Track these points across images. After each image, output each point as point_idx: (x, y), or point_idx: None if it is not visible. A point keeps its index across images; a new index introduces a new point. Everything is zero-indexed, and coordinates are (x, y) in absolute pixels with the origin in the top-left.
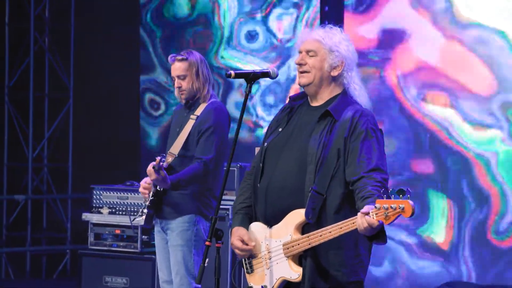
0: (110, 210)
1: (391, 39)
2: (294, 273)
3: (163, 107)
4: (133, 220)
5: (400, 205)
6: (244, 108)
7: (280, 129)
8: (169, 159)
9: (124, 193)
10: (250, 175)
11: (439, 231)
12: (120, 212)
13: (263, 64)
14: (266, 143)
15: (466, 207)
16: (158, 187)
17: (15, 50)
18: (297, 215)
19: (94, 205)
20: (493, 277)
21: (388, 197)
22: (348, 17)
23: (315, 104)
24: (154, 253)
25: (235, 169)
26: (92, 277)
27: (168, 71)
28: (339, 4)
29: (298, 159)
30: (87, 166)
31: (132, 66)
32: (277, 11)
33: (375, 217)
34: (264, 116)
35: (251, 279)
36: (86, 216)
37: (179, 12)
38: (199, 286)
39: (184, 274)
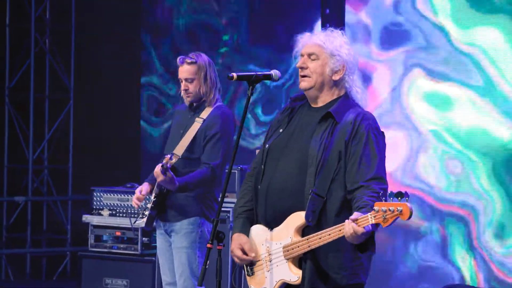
0: (110, 212)
1: None
2: (294, 275)
3: (164, 108)
4: (134, 223)
5: (398, 208)
6: (246, 110)
7: (281, 130)
8: (173, 160)
9: (124, 195)
10: (251, 176)
11: None
12: (121, 214)
13: None
14: (267, 144)
15: None
16: (162, 188)
17: (16, 51)
18: (298, 218)
19: (94, 207)
20: None
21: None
22: None
23: (315, 105)
24: (154, 255)
25: (236, 171)
26: (92, 279)
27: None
28: (340, 6)
29: (299, 161)
30: (88, 167)
31: (133, 67)
32: None
33: (373, 220)
34: None
35: (251, 282)
36: (86, 218)
37: None
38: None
39: (189, 276)
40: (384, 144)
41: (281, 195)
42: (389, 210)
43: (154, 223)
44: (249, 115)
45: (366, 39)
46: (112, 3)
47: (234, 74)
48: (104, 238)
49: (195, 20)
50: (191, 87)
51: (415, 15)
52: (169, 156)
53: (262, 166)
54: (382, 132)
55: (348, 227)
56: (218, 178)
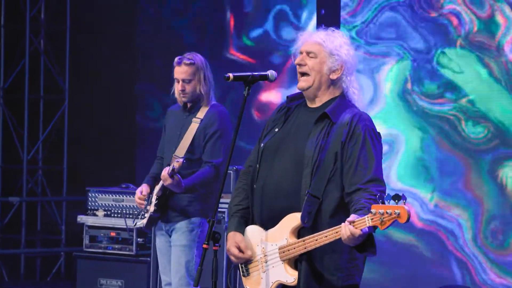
0: (105, 212)
1: None
2: (290, 276)
3: (159, 109)
4: (135, 224)
5: (396, 211)
6: (242, 111)
7: (276, 129)
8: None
9: (119, 196)
10: (246, 174)
11: None
12: (116, 215)
13: None
14: (262, 144)
15: None
16: (165, 191)
17: (11, 52)
18: (293, 219)
19: (89, 207)
20: None
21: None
22: None
23: (312, 105)
24: (149, 255)
25: (231, 172)
26: (87, 280)
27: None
28: (335, 7)
29: (294, 161)
30: (82, 168)
31: (128, 68)
32: None
33: (371, 222)
34: None
35: (247, 282)
36: (81, 218)
37: None
38: None
39: (184, 274)
40: (381, 146)
41: (276, 195)
42: (387, 212)
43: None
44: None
45: None
46: (108, 4)
47: (231, 75)
48: (99, 238)
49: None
50: (188, 88)
51: None
52: (181, 160)
53: (257, 165)
54: (379, 133)
55: (345, 229)
56: (221, 176)
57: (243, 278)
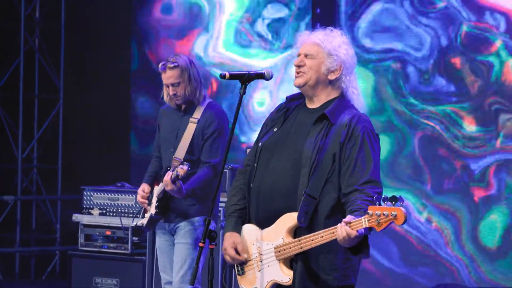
0: (100, 211)
1: None
2: (285, 276)
3: (154, 108)
4: (135, 224)
5: (393, 212)
6: (238, 109)
7: (275, 129)
8: (176, 164)
9: (114, 194)
10: (242, 173)
11: None
12: (111, 213)
13: None
14: (260, 143)
15: None
16: (167, 193)
17: (5, 51)
18: (289, 219)
19: (84, 206)
20: None
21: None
22: None
23: (312, 106)
24: (144, 254)
25: (227, 170)
26: (82, 278)
27: None
28: (331, 6)
29: (292, 161)
30: (77, 167)
31: (123, 67)
32: None
33: (367, 224)
34: None
35: (242, 281)
36: (76, 217)
37: None
38: (198, 286)
39: (187, 272)
40: (379, 147)
41: (273, 195)
42: (383, 214)
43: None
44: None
45: None
46: (102, 2)
47: (227, 73)
48: (94, 237)
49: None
50: (179, 91)
51: None
52: (186, 168)
53: (255, 164)
54: (377, 135)
55: (341, 230)
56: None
57: (238, 277)
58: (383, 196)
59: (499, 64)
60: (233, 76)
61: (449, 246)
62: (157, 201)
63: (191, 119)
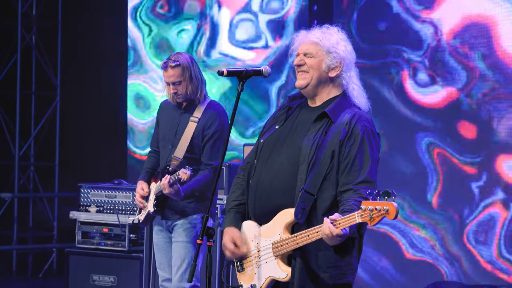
0: (97, 208)
1: None
2: (283, 272)
3: (150, 105)
4: (132, 221)
5: (385, 207)
6: (236, 106)
7: (276, 127)
8: (175, 163)
9: (112, 192)
10: (243, 170)
11: None
12: (108, 211)
13: None
14: (261, 140)
15: None
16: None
17: (2, 48)
18: (287, 215)
19: (81, 203)
20: None
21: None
22: None
23: (313, 104)
24: (142, 251)
25: (224, 168)
26: (79, 276)
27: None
28: (328, 3)
29: (290, 158)
30: (74, 164)
31: (120, 64)
32: None
33: (360, 219)
34: None
35: (241, 278)
36: (73, 214)
37: None
38: (198, 285)
39: (186, 269)
40: (379, 147)
41: (271, 191)
42: (376, 209)
43: (153, 220)
44: None
45: None
46: (99, 0)
47: (225, 70)
48: (92, 234)
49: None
50: (180, 89)
51: None
52: (189, 173)
53: (255, 161)
54: (378, 134)
55: (325, 227)
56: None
57: (237, 273)
58: (376, 191)
59: None
60: (231, 73)
61: None
62: (155, 199)
63: (191, 118)
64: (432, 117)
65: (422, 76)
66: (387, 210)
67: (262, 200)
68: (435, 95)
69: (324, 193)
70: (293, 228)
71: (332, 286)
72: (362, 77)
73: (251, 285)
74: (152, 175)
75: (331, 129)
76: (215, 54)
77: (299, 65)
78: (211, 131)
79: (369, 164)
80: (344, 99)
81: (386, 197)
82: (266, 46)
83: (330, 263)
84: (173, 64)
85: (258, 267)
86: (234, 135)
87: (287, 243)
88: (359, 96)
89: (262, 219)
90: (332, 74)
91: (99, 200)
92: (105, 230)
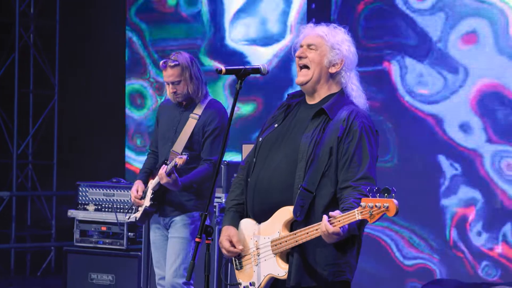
0: (96, 207)
1: None
2: (282, 270)
3: (148, 103)
4: (128, 218)
5: (385, 204)
6: (234, 104)
7: (275, 125)
8: (173, 157)
9: (110, 190)
10: (243, 169)
11: None
12: (106, 209)
13: None
14: (260, 138)
15: None
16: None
17: (0, 46)
18: (286, 212)
19: (80, 201)
20: None
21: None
22: None
23: (311, 102)
24: (140, 250)
25: (222, 166)
26: (77, 274)
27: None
28: (326, 1)
29: (288, 156)
30: (73, 162)
31: (118, 63)
32: None
33: (360, 216)
34: None
35: (240, 276)
36: (72, 213)
37: None
38: (191, 282)
39: (180, 266)
40: (377, 143)
41: (270, 189)
42: (376, 206)
43: (150, 218)
44: None
45: None
46: None
47: (223, 68)
48: (90, 233)
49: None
50: (179, 89)
51: None
52: (185, 157)
53: (254, 159)
54: (376, 131)
55: (322, 224)
56: (219, 173)
57: (236, 271)
58: (376, 187)
59: None
60: (229, 71)
61: None
62: (152, 193)
63: (191, 115)
64: None
65: None
66: (387, 207)
67: (261, 197)
68: None
69: (322, 190)
70: (292, 225)
71: (330, 283)
72: None
73: (249, 283)
74: (150, 176)
75: (329, 126)
76: None
77: (300, 57)
78: (211, 128)
79: (368, 161)
80: (342, 96)
81: (386, 194)
82: None
83: (329, 260)
84: (172, 64)
85: (257, 265)
86: None
87: (286, 241)
88: (357, 96)
89: (261, 217)
90: (333, 70)
91: (97, 199)
92: (103, 228)
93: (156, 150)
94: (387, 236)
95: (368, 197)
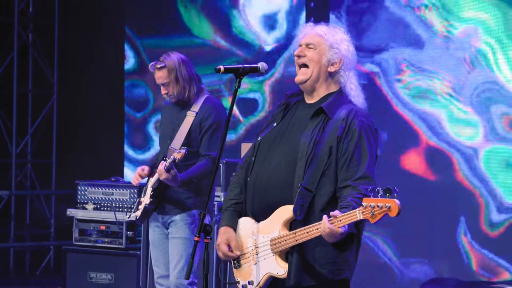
0: (95, 206)
1: None
2: (281, 269)
3: (148, 103)
4: (128, 217)
5: (387, 204)
6: (233, 103)
7: (274, 124)
8: (171, 153)
9: (109, 189)
10: (242, 168)
11: None
12: (105, 208)
13: None
14: (259, 137)
15: None
16: (162, 182)
17: None
18: (285, 211)
19: (78, 200)
20: None
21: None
22: None
23: (310, 101)
24: (139, 249)
25: (221, 165)
26: (76, 273)
27: None
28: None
29: (288, 155)
30: (71, 161)
31: (117, 62)
32: None
33: (362, 216)
34: None
35: (238, 274)
36: (71, 212)
37: None
38: (195, 282)
39: (184, 267)
40: (376, 142)
41: (269, 188)
42: (378, 206)
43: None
44: None
45: None
46: None
47: (221, 67)
48: (89, 232)
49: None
50: (170, 90)
51: None
52: (183, 151)
53: (253, 158)
54: (375, 130)
55: (324, 224)
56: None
57: (234, 270)
58: (377, 188)
59: None
60: (227, 70)
61: None
62: (151, 191)
63: (188, 112)
64: None
65: None
66: (389, 207)
67: (260, 196)
68: None
69: (322, 189)
70: (291, 224)
71: (329, 282)
72: None
73: (248, 282)
74: (155, 165)
75: (328, 125)
76: None
77: (299, 56)
78: (208, 123)
79: (367, 160)
80: (340, 95)
81: (388, 194)
82: None
83: (328, 259)
84: (159, 66)
85: (255, 263)
86: None
87: (285, 240)
88: (356, 96)
89: (260, 215)
90: (331, 69)
91: (96, 198)
92: (102, 227)
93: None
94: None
95: (369, 196)
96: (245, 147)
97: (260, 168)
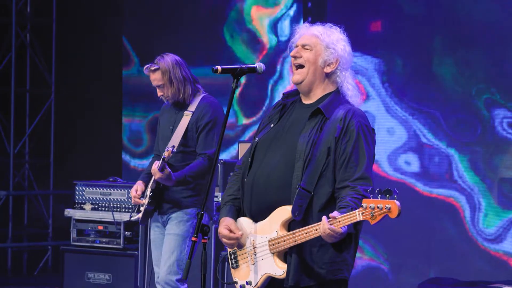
0: (92, 206)
1: None
2: (279, 269)
3: (145, 103)
4: (130, 218)
5: (387, 205)
6: (230, 103)
7: (271, 125)
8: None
9: (107, 189)
10: (240, 168)
11: None
12: (103, 208)
13: None
14: (257, 138)
15: None
16: (159, 183)
17: None
18: (284, 212)
19: (76, 201)
20: None
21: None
22: None
23: (307, 101)
24: (137, 249)
25: (219, 165)
26: (74, 273)
27: None
28: (322, 0)
29: (285, 156)
30: (69, 162)
31: (115, 62)
32: None
33: (361, 217)
34: None
35: (236, 274)
36: (68, 212)
37: None
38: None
39: (174, 263)
40: (374, 142)
41: (267, 188)
42: (377, 207)
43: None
44: None
45: None
46: None
47: (219, 67)
48: (87, 232)
49: None
50: (165, 92)
51: None
52: (171, 149)
53: (250, 159)
54: (373, 129)
55: (323, 225)
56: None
57: (232, 270)
58: (378, 189)
59: None
60: (225, 70)
61: None
62: (150, 192)
63: (185, 112)
64: None
65: None
66: (390, 209)
67: (258, 197)
68: None
69: (320, 190)
70: (290, 225)
71: (327, 282)
72: None
73: (246, 282)
74: (151, 178)
75: (326, 125)
76: None
77: (295, 57)
78: (204, 122)
79: (365, 161)
80: (337, 96)
81: (387, 195)
82: None
83: (326, 259)
84: (153, 68)
85: (253, 264)
86: None
87: (284, 240)
88: (353, 95)
89: (258, 216)
90: (328, 70)
91: (94, 198)
92: (100, 227)
93: (158, 153)
94: None
95: (368, 197)
96: (242, 147)
97: (258, 169)
